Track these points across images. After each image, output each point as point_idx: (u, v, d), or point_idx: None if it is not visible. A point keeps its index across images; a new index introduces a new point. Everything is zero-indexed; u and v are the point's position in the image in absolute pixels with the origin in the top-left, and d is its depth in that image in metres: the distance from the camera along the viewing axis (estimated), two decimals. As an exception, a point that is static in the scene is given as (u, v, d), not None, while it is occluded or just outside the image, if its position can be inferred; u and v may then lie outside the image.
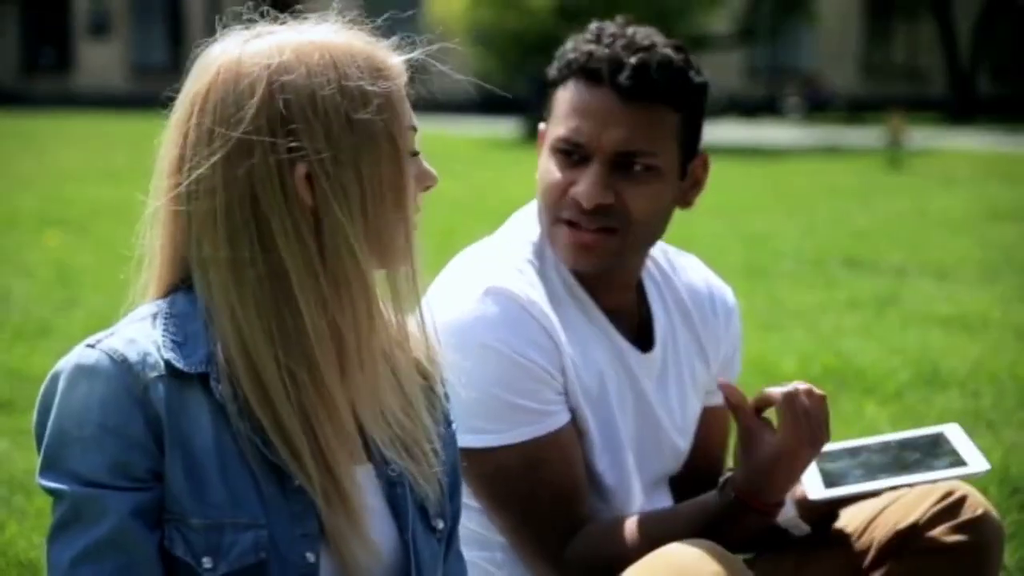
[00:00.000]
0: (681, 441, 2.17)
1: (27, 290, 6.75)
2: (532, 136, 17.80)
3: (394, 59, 1.49)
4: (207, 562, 1.41)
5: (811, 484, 1.97)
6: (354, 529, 1.46)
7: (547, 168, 2.03)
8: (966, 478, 1.88)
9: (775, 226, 9.85)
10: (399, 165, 1.45)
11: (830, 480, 1.96)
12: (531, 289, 2.00)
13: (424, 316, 1.55)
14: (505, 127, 21.37)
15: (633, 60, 1.98)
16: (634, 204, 1.99)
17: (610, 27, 2.05)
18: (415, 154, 1.49)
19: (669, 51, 2.02)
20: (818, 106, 30.91)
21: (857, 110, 30.23)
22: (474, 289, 1.96)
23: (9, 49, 35.86)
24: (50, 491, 1.42)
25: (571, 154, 2.00)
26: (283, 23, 1.50)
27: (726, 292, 2.26)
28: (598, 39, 2.03)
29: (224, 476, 1.42)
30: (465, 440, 1.82)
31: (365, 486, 1.50)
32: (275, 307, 1.43)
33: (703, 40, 22.35)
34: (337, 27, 1.49)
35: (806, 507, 2.02)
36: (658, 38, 2.04)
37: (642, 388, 2.10)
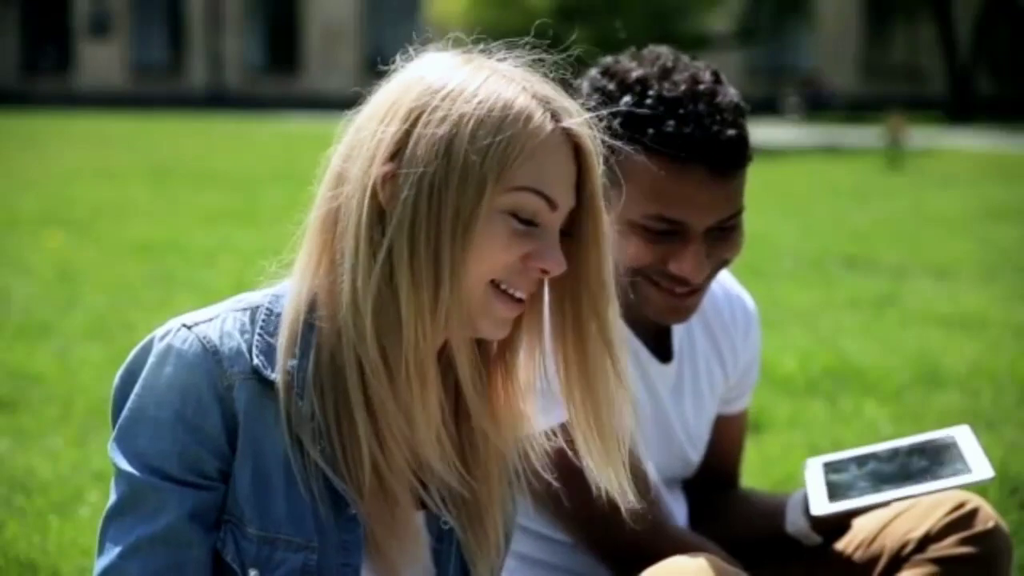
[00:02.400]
0: (692, 452, 2.16)
1: (27, 290, 6.75)
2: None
3: (541, 121, 1.42)
4: (253, 573, 1.41)
5: (815, 498, 1.96)
6: (394, 570, 1.46)
7: (630, 245, 1.91)
8: (970, 486, 1.88)
9: (774, 226, 9.85)
10: (476, 208, 1.39)
11: (835, 493, 1.95)
12: None
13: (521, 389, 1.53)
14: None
15: (726, 136, 1.88)
16: (731, 255, 1.97)
17: (654, 83, 1.92)
18: (528, 222, 1.42)
19: (732, 98, 1.93)
20: (818, 106, 30.91)
21: (856, 110, 30.23)
22: None
23: (9, 49, 35.86)
24: (116, 467, 1.42)
25: (659, 231, 1.92)
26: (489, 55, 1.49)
27: (745, 299, 2.23)
28: (667, 106, 1.90)
29: (288, 491, 1.42)
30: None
31: (413, 530, 1.49)
32: (364, 313, 1.40)
33: (703, 40, 22.33)
34: (524, 74, 1.46)
35: (816, 519, 2.03)
36: (705, 76, 1.93)
37: (660, 397, 2.09)
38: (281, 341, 1.44)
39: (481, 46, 1.50)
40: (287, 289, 1.48)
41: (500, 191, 1.40)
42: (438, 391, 1.46)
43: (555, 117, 1.44)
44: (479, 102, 1.40)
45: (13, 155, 16.10)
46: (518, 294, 1.44)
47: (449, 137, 1.39)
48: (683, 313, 1.98)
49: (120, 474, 1.42)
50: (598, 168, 1.46)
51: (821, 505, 1.94)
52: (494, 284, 1.42)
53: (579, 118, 1.45)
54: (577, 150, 1.45)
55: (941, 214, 10.86)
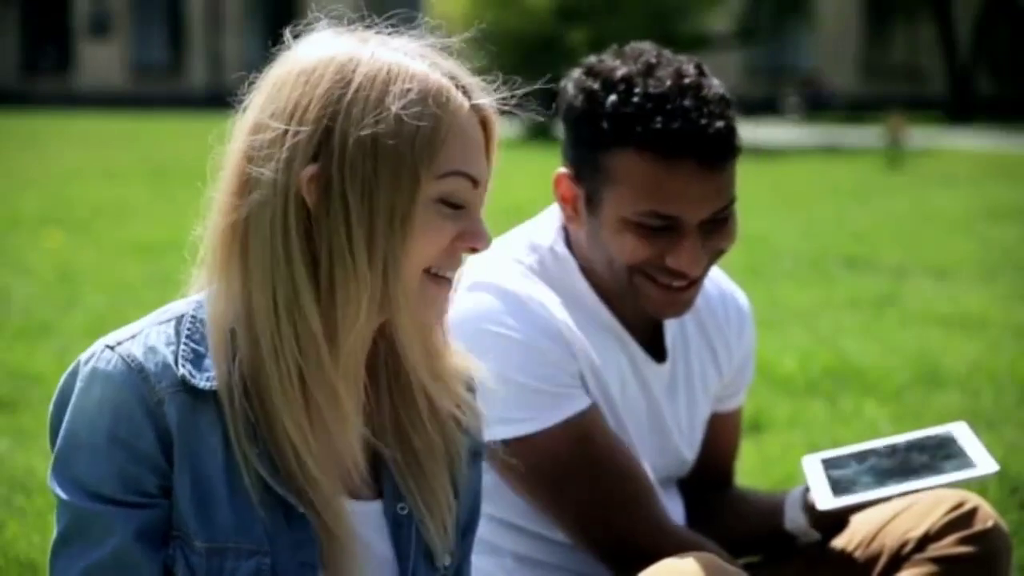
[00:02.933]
0: (687, 451, 2.16)
1: (28, 290, 6.75)
2: (533, 136, 17.72)
3: (458, 99, 1.41)
4: None
5: (819, 493, 1.96)
6: (352, 563, 1.43)
7: (625, 242, 1.93)
8: (975, 480, 1.88)
9: (774, 226, 9.85)
10: (412, 203, 1.37)
11: (838, 488, 1.95)
12: (532, 286, 1.99)
13: (455, 360, 1.52)
14: (504, 127, 21.33)
15: (714, 128, 1.90)
16: (725, 244, 1.98)
17: (639, 81, 1.94)
18: (456, 206, 1.41)
19: (717, 89, 1.94)
20: (818, 106, 30.91)
21: (856, 110, 30.23)
22: (468, 286, 1.96)
23: (9, 49, 35.85)
24: (58, 498, 1.40)
25: (654, 227, 1.93)
26: (376, 31, 1.45)
27: (739, 297, 2.23)
28: (654, 103, 1.91)
29: (231, 499, 1.40)
30: (500, 432, 1.77)
31: (370, 522, 1.47)
32: (287, 321, 1.38)
33: (703, 40, 22.34)
34: (423, 50, 1.43)
35: (816, 515, 2.03)
36: (689, 69, 1.95)
37: (655, 397, 2.09)
38: (211, 350, 1.42)
39: (367, 22, 1.46)
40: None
41: (430, 180, 1.39)
42: (362, 376, 1.46)
43: (466, 94, 1.43)
44: (396, 90, 1.37)
45: (13, 155, 16.10)
46: (449, 275, 1.44)
47: (374, 131, 1.36)
48: (681, 307, 1.99)
49: (62, 504, 1.40)
50: (498, 142, 1.47)
51: (825, 500, 1.94)
52: (427, 271, 1.42)
53: (487, 95, 1.44)
54: (484, 125, 1.45)
55: (941, 214, 10.86)
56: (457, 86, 1.42)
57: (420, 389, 1.49)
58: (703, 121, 1.89)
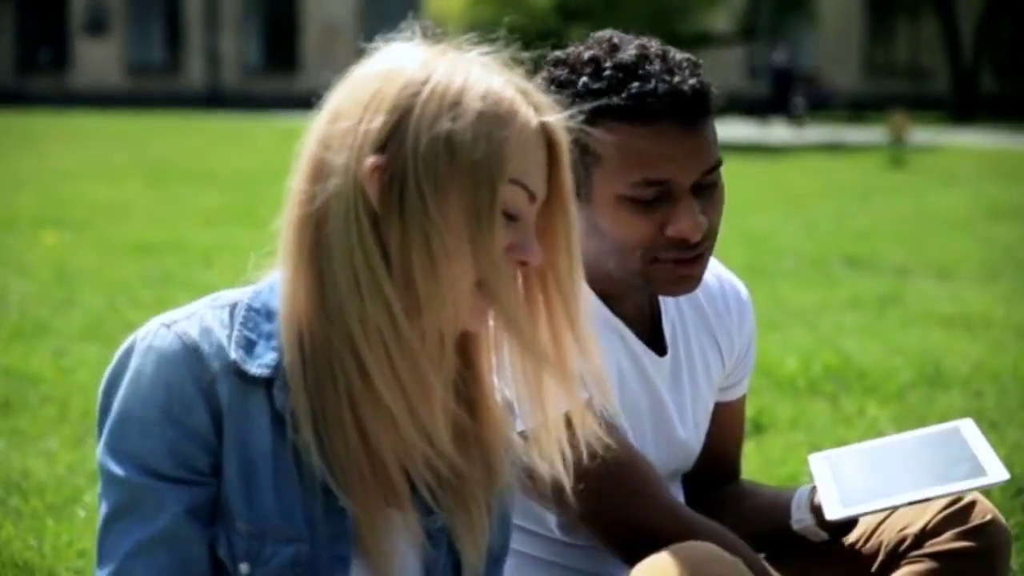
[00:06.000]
0: (693, 443, 2.15)
1: (24, 289, 6.73)
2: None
3: (527, 113, 1.43)
4: (244, 568, 1.41)
5: (828, 502, 1.94)
6: (382, 565, 1.45)
7: (624, 221, 1.93)
8: (985, 488, 1.86)
9: (776, 225, 9.85)
10: (492, 204, 1.39)
11: (847, 496, 1.93)
12: None
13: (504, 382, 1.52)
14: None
15: (688, 86, 1.91)
16: (716, 215, 1.98)
17: (605, 58, 1.95)
18: (510, 216, 1.42)
19: (683, 55, 1.97)
20: (819, 105, 30.92)
21: (859, 108, 30.25)
22: None
23: (6, 47, 35.88)
24: (109, 474, 1.42)
25: (648, 199, 1.93)
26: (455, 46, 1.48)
27: (739, 287, 2.23)
28: (624, 72, 1.92)
29: (276, 485, 1.42)
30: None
31: (402, 529, 1.48)
32: (372, 304, 1.40)
33: (704, 39, 22.38)
34: (498, 64, 1.46)
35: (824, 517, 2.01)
36: (651, 42, 1.98)
37: (657, 391, 2.08)
38: (281, 334, 1.43)
39: (449, 39, 1.49)
40: (266, 285, 1.48)
41: (502, 184, 1.41)
42: (452, 360, 1.47)
43: (536, 110, 1.45)
44: (472, 94, 1.40)
45: (10, 154, 16.11)
46: (498, 283, 1.44)
47: (449, 131, 1.38)
48: (690, 282, 1.99)
49: (112, 479, 1.42)
50: (568, 161, 1.48)
51: (835, 510, 1.92)
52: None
53: (557, 113, 1.46)
54: (550, 143, 1.46)
55: (944, 213, 10.86)
56: (528, 102, 1.44)
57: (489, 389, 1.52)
58: (676, 79, 1.92)
